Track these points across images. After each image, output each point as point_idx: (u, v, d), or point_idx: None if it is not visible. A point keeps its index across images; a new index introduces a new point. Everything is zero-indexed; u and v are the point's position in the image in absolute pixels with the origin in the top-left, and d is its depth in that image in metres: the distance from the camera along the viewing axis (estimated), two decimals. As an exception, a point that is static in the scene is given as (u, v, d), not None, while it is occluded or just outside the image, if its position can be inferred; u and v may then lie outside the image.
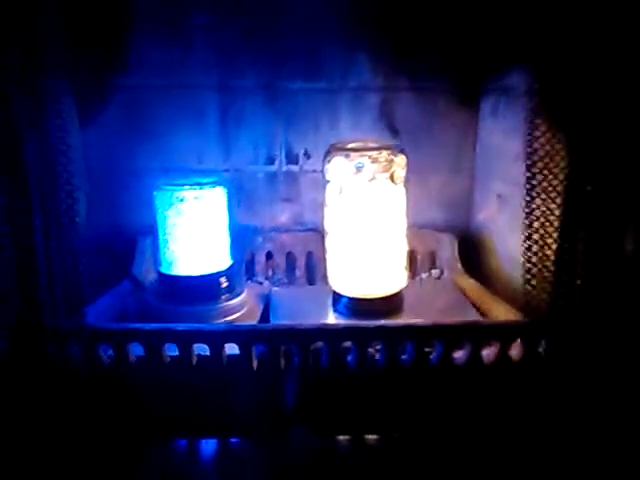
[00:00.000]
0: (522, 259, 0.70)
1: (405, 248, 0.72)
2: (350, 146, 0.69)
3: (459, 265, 0.87)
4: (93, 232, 0.76)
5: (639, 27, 0.56)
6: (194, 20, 0.84)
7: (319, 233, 0.83)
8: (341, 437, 0.60)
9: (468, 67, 0.88)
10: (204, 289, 0.74)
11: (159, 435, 0.59)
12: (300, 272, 0.88)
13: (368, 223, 0.69)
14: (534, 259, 0.68)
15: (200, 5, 0.84)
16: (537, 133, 0.67)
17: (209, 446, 0.58)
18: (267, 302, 0.77)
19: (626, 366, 0.59)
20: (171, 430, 0.60)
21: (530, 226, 0.69)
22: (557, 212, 0.65)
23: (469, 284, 0.83)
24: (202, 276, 0.74)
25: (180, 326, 0.59)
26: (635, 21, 0.56)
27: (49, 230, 0.59)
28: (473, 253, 0.91)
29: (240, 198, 0.89)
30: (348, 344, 0.60)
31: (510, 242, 0.82)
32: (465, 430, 0.61)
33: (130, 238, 0.86)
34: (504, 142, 0.83)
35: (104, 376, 0.60)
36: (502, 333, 0.60)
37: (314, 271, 0.88)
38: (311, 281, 0.88)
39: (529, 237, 0.69)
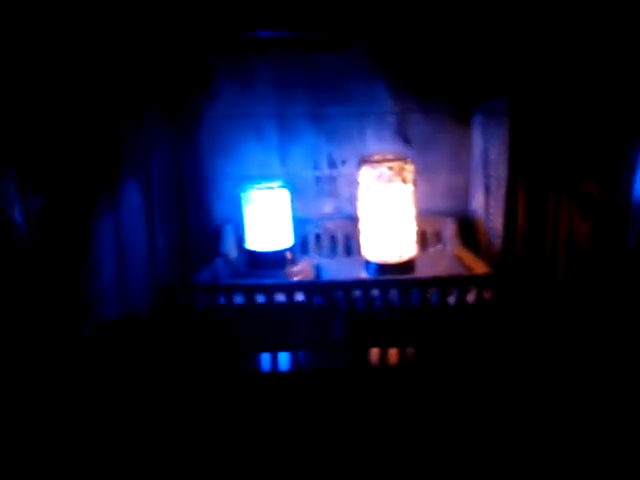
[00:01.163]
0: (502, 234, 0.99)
1: (414, 228, 1.02)
2: (374, 158, 1.00)
3: (458, 241, 1.15)
4: (191, 223, 1.08)
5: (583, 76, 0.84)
6: (257, 69, 1.14)
7: (354, 219, 1.10)
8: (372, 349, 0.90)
9: (463, 95, 1.14)
10: (276, 260, 1.05)
11: (253, 350, 0.90)
12: (340, 249, 1.18)
13: (388, 211, 0.98)
14: (509, 233, 0.98)
15: (261, 60, 1.13)
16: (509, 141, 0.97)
17: (284, 356, 0.89)
18: (318, 269, 1.08)
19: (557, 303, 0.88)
20: (260, 348, 0.91)
21: (509, 210, 0.97)
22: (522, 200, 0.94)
23: (465, 254, 1.10)
24: (274, 251, 1.05)
25: (266, 281, 0.91)
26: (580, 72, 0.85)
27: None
28: (469, 231, 1.18)
29: (294, 195, 1.16)
30: (376, 292, 0.91)
31: (495, 222, 1.10)
32: (454, 348, 0.90)
33: (217, 227, 1.17)
34: (489, 149, 1.10)
35: (219, 316, 0.91)
36: (477, 281, 0.90)
37: (350, 248, 1.17)
38: (348, 255, 1.17)
39: (507, 219, 0.98)
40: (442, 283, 0.89)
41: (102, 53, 0.83)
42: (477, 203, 1.18)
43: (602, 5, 0.80)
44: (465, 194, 1.22)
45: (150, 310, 0.93)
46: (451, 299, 0.90)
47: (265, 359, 0.88)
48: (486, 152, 1.11)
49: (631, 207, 0.83)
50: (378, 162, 0.97)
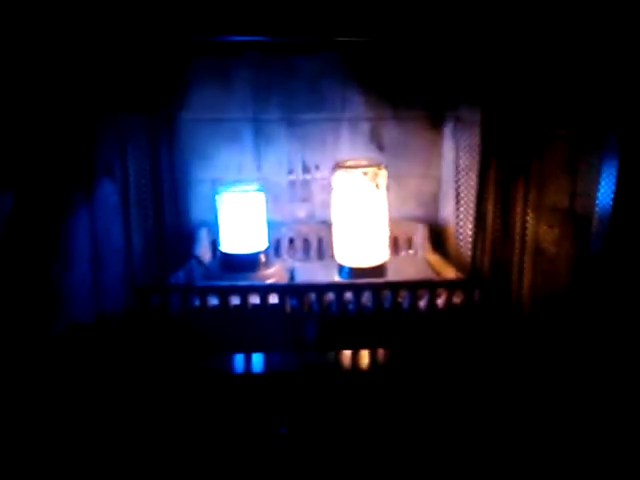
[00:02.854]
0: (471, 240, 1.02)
1: (387, 233, 1.04)
2: (348, 164, 1.02)
3: (429, 246, 1.18)
4: (169, 228, 1.09)
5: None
6: (234, 73, 1.15)
7: (327, 224, 1.12)
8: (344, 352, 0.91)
9: (435, 103, 1.17)
10: (250, 263, 1.06)
11: (227, 352, 0.90)
12: (313, 252, 1.20)
13: (361, 216, 1.00)
14: (478, 239, 1.00)
15: (237, 64, 1.14)
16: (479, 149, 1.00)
17: (258, 358, 0.90)
18: (292, 273, 1.10)
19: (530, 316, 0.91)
20: (234, 350, 0.91)
21: (478, 217, 1.00)
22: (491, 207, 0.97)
23: (435, 259, 1.13)
24: (248, 254, 1.06)
25: (241, 284, 0.92)
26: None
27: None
28: (439, 237, 1.21)
29: (269, 199, 1.17)
30: (349, 295, 0.93)
31: (464, 229, 1.13)
32: (424, 349, 0.92)
33: (192, 230, 1.17)
34: (460, 157, 1.13)
35: (193, 318, 0.92)
36: (446, 285, 0.93)
37: (324, 251, 1.19)
38: (321, 259, 1.18)
39: (477, 225, 1.01)
40: (413, 286, 0.92)
41: (78, 53, 0.83)
42: (447, 210, 1.21)
43: (568, 17, 0.84)
44: (436, 200, 1.24)
45: (125, 310, 0.93)
46: (422, 303, 0.93)
47: (239, 360, 0.89)
48: (457, 159, 1.14)
49: (594, 215, 0.86)
50: (352, 167, 0.99)
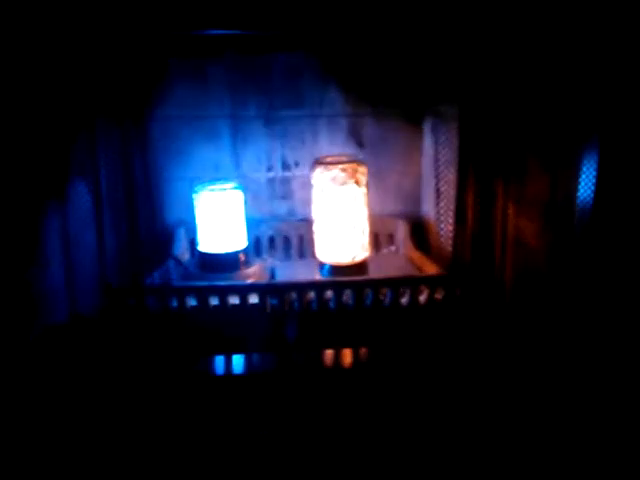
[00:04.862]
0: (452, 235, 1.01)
1: (368, 230, 1.03)
2: (328, 160, 1.00)
3: (410, 243, 1.16)
4: (145, 227, 1.06)
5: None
6: (210, 70, 1.13)
7: (307, 221, 1.11)
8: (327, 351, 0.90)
9: (415, 99, 1.17)
10: (229, 262, 1.04)
11: (206, 353, 0.89)
12: (294, 251, 1.18)
13: (341, 213, 0.99)
14: (459, 234, 0.99)
15: (214, 61, 1.13)
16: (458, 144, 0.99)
17: (238, 359, 0.88)
18: (272, 271, 1.08)
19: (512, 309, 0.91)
20: (214, 351, 0.90)
21: (458, 212, 0.99)
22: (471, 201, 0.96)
23: (417, 255, 1.12)
24: (227, 253, 1.04)
25: (220, 283, 0.90)
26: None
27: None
28: (421, 233, 1.19)
29: (248, 197, 1.15)
30: (330, 293, 0.92)
31: (445, 224, 1.12)
32: (406, 345, 0.91)
33: (169, 229, 1.15)
34: (440, 152, 1.12)
35: (171, 319, 0.90)
36: (428, 282, 0.92)
37: (304, 250, 1.17)
38: (302, 257, 1.17)
39: (457, 220, 1.00)
40: (394, 283, 0.91)
41: (47, 50, 0.81)
42: (428, 205, 1.20)
43: (545, 15, 0.84)
44: (417, 197, 1.24)
45: (100, 312, 0.90)
46: (403, 300, 0.92)
47: (218, 362, 0.87)
48: (437, 155, 1.13)
49: (575, 207, 0.86)
50: (332, 164, 0.98)
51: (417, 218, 1.23)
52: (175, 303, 0.89)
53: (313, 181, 1.01)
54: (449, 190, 1.08)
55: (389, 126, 1.20)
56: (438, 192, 1.14)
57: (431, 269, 1.03)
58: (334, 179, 0.98)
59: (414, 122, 1.20)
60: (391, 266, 1.08)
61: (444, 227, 1.12)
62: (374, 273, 1.02)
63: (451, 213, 1.06)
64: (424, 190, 1.22)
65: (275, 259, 1.15)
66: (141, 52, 1.03)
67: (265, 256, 1.17)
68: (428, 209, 1.20)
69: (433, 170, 1.16)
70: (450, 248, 1.05)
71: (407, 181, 1.23)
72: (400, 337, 0.91)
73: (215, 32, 0.82)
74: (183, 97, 1.15)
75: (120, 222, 0.89)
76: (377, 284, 0.91)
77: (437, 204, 1.14)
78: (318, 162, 1.00)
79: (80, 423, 0.76)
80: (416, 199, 1.24)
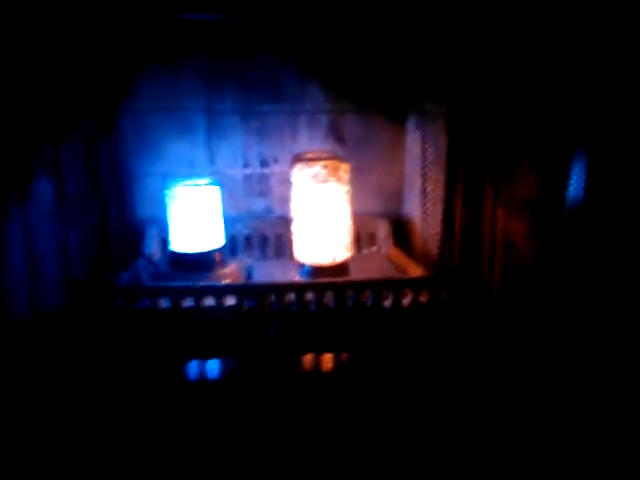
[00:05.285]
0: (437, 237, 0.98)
1: (349, 229, 0.99)
2: (309, 156, 0.96)
3: (392, 243, 1.13)
4: (114, 224, 1.01)
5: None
6: (185, 59, 1.08)
7: (286, 220, 1.07)
8: (307, 356, 0.86)
9: (398, 96, 1.13)
10: (203, 262, 0.99)
11: (179, 357, 0.84)
12: (271, 250, 1.14)
13: (322, 212, 0.95)
14: (447, 236, 0.96)
15: (190, 52, 1.07)
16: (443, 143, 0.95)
17: (212, 363, 0.83)
18: (249, 271, 1.03)
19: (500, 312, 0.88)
20: (187, 355, 0.85)
21: (446, 214, 0.96)
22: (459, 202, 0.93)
23: (398, 255, 1.08)
24: (201, 253, 0.99)
25: (195, 284, 0.85)
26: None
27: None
28: (402, 233, 1.17)
29: (223, 194, 1.10)
30: (310, 296, 0.87)
31: (431, 224, 1.09)
32: (389, 350, 0.87)
33: (140, 227, 1.09)
34: (426, 151, 1.09)
35: (141, 321, 0.85)
36: (414, 284, 0.88)
37: (282, 249, 1.13)
38: (280, 256, 1.13)
39: (445, 221, 0.97)
40: (377, 286, 0.87)
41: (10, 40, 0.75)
42: (412, 205, 1.17)
43: (537, 11, 0.81)
44: (398, 196, 1.20)
45: (63, 309, 0.85)
46: (387, 302, 0.88)
47: (192, 366, 0.82)
48: (423, 154, 1.10)
49: (565, 207, 0.83)
50: (312, 160, 0.94)
51: (399, 217, 1.19)
52: (145, 304, 0.84)
53: (293, 178, 0.96)
54: (436, 190, 1.05)
55: (371, 123, 1.16)
56: (424, 192, 1.11)
57: (415, 270, 0.99)
58: (315, 176, 0.93)
59: (397, 120, 1.16)
60: (373, 267, 1.04)
61: (431, 227, 1.09)
62: (355, 274, 0.98)
63: (438, 213, 1.02)
64: (407, 189, 1.19)
65: (252, 259, 1.10)
66: (110, 40, 0.98)
67: (241, 256, 1.12)
68: (411, 208, 1.17)
69: (417, 168, 1.13)
70: (435, 249, 1.02)
71: (389, 179, 1.19)
72: (383, 341, 0.87)
73: (190, 17, 0.77)
74: (156, 89, 1.10)
75: (86, 219, 0.83)
76: (359, 286, 0.87)
77: (423, 204, 1.11)
78: (298, 158, 0.95)
79: (37, 427, 0.70)
80: (397, 198, 1.21)
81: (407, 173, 1.18)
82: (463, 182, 0.87)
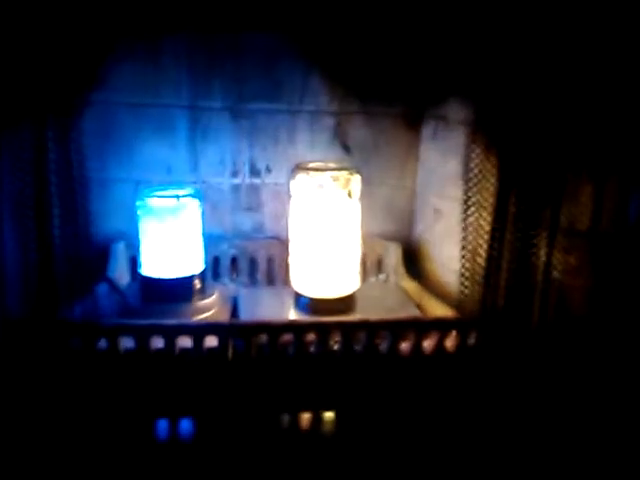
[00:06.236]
0: (458, 265, 0.82)
1: (359, 255, 0.82)
2: (313, 166, 0.79)
3: (402, 270, 0.97)
4: (65, 240, 0.82)
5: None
6: (166, 46, 0.91)
7: (279, 240, 0.92)
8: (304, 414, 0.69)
9: (412, 97, 0.97)
10: (180, 290, 0.81)
11: (149, 415, 0.66)
12: (262, 275, 0.97)
13: (327, 232, 0.78)
14: (467, 265, 0.80)
15: (172, 34, 0.90)
16: (473, 156, 0.80)
17: (186, 424, 0.66)
18: (235, 301, 0.86)
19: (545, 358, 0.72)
20: (155, 412, 0.67)
21: (465, 237, 0.81)
22: (488, 226, 0.77)
23: (411, 286, 0.93)
24: (178, 279, 0.81)
25: (167, 322, 0.67)
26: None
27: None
28: (414, 259, 1.01)
29: (206, 207, 0.93)
30: (312, 337, 0.70)
31: (444, 250, 0.93)
32: (408, 410, 0.71)
33: (104, 245, 0.91)
34: (441, 162, 0.94)
35: (97, 367, 0.67)
36: (440, 327, 0.72)
37: (274, 274, 0.96)
38: (271, 283, 0.96)
39: (464, 247, 0.81)
40: (414, 327, 0.70)
41: None
42: (424, 226, 1.01)
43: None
44: (409, 214, 1.04)
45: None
46: (426, 346, 0.71)
47: (161, 426, 0.65)
48: (440, 167, 0.94)
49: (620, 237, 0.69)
50: (318, 170, 0.77)
51: (409, 240, 1.03)
52: (102, 345, 0.66)
53: (293, 190, 0.80)
54: (452, 209, 0.89)
55: (381, 128, 0.99)
56: (439, 212, 0.95)
57: (436, 307, 0.83)
58: (321, 189, 0.76)
59: (411, 125, 1.00)
60: (383, 300, 0.87)
61: (442, 252, 0.94)
62: (363, 310, 0.81)
63: (454, 239, 0.86)
64: (419, 208, 1.03)
65: (238, 286, 0.93)
66: (75, 22, 0.80)
67: (226, 281, 0.94)
68: (423, 230, 1.01)
69: (431, 184, 0.98)
70: (448, 278, 0.86)
71: (400, 195, 1.03)
72: (400, 394, 0.71)
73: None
74: (129, 80, 0.92)
75: (30, 238, 0.65)
76: (374, 327, 0.70)
77: (434, 225, 0.96)
78: (300, 167, 0.79)
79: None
80: (408, 217, 1.04)
81: (419, 188, 1.02)
82: (516, 209, 0.70)
